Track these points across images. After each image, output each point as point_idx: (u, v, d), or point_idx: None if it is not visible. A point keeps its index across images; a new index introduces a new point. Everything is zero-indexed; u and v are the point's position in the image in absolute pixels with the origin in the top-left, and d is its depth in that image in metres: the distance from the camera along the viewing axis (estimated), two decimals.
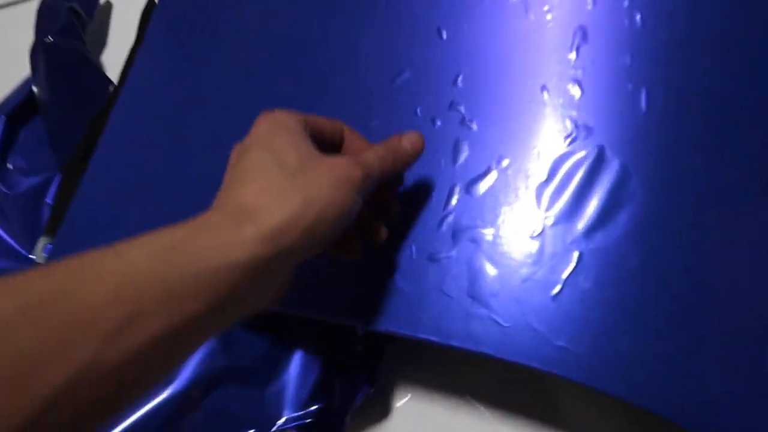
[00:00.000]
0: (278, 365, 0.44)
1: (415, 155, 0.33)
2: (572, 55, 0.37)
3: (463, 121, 0.38)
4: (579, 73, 0.36)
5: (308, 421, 0.43)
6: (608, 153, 0.35)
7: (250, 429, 0.44)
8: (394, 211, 0.34)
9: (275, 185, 0.27)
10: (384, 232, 0.33)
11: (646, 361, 0.31)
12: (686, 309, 0.32)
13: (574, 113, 0.36)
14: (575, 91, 0.36)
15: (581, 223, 0.34)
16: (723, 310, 0.32)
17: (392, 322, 0.34)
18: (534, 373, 0.32)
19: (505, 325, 0.33)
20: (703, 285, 0.32)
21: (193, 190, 0.40)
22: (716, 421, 0.30)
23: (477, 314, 0.33)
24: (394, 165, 0.31)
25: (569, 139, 0.35)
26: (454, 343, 0.33)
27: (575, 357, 0.31)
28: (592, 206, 0.34)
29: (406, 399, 0.44)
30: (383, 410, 0.44)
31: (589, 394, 0.39)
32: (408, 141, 0.32)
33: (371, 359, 0.43)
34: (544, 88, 0.37)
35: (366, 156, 0.30)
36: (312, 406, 0.43)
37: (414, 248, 0.35)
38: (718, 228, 0.33)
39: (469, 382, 0.42)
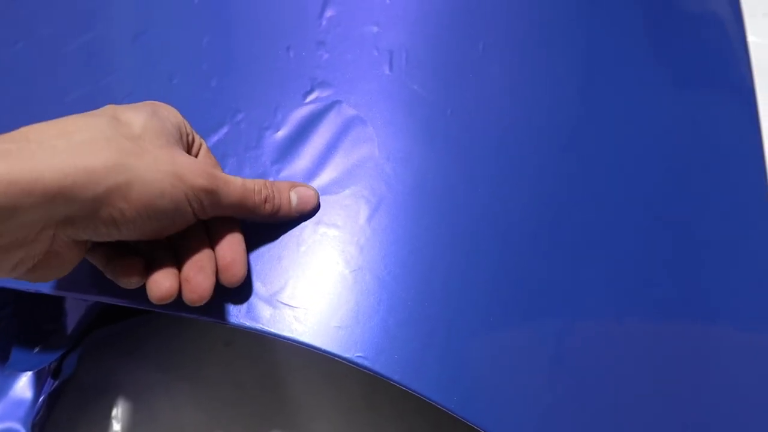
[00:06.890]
0: None
1: (298, 213, 0.28)
2: (320, 21, 0.35)
3: (202, 78, 0.34)
4: (325, 38, 0.35)
5: None
6: (345, 107, 0.32)
7: None
8: (232, 274, 0.25)
9: (98, 133, 0.21)
10: (198, 290, 0.24)
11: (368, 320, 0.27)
12: (411, 269, 0.28)
13: (316, 72, 0.34)
14: (320, 53, 0.34)
15: (313, 171, 0.30)
16: (459, 261, 0.29)
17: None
18: None
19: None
20: (446, 235, 0.29)
21: None
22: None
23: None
24: (263, 209, 0.26)
25: (310, 95, 0.33)
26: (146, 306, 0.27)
27: (288, 313, 0.26)
28: (324, 154, 0.31)
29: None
30: None
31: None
32: (298, 195, 0.28)
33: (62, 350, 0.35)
34: (289, 48, 0.35)
35: (231, 178, 0.25)
36: None
37: None
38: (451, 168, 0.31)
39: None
